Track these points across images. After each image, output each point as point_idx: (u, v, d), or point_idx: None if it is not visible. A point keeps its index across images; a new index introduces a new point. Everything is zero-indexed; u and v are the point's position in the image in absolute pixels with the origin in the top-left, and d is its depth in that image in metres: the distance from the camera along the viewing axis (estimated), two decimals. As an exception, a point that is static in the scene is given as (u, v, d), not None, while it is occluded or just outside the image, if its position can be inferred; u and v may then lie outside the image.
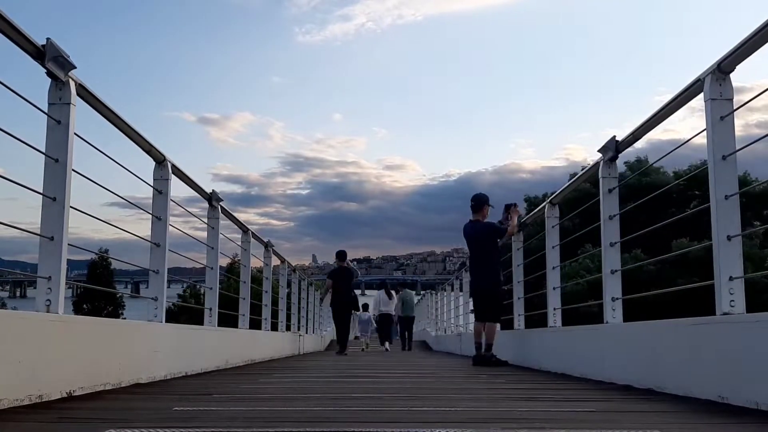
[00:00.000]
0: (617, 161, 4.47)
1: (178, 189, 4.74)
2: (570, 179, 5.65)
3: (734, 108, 3.00)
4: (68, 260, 3.07)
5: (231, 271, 12.68)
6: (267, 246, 8.69)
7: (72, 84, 3.06)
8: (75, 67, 3.03)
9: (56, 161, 2.99)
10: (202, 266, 5.96)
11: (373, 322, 13.92)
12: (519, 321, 7.00)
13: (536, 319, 7.02)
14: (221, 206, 5.92)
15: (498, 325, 6.91)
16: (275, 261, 9.32)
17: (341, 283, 10.48)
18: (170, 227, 4.50)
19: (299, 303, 11.47)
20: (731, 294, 2.90)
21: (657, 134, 4.03)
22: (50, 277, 2.93)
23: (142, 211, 4.43)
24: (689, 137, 3.61)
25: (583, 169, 6.00)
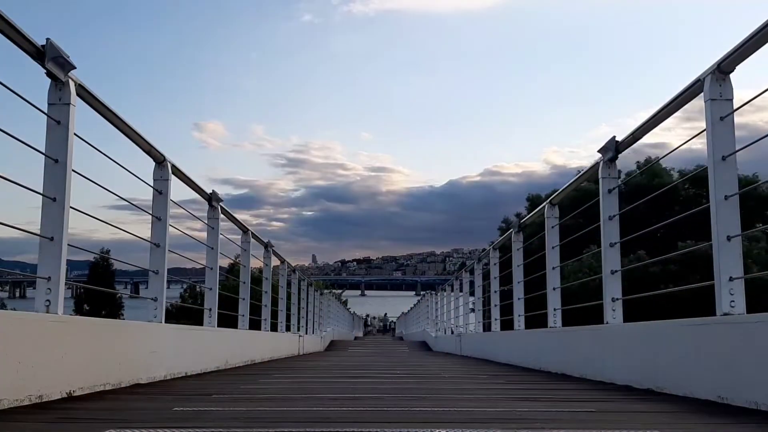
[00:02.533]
0: (617, 161, 4.47)
1: (178, 190, 4.74)
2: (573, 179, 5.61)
3: (734, 108, 3.00)
4: (68, 260, 3.07)
5: (231, 272, 12.68)
6: (267, 246, 8.69)
7: (72, 84, 3.06)
8: (75, 68, 3.03)
9: (56, 162, 2.99)
10: (202, 266, 5.96)
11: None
12: (519, 321, 7.01)
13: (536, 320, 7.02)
14: (221, 206, 5.92)
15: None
16: (275, 261, 9.31)
17: None
18: (170, 227, 4.50)
19: (299, 303, 11.47)
20: (731, 294, 2.90)
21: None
22: (50, 277, 2.93)
23: (142, 211, 4.43)
24: (689, 137, 3.61)
25: (579, 172, 5.99)
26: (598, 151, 4.46)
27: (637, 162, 23.72)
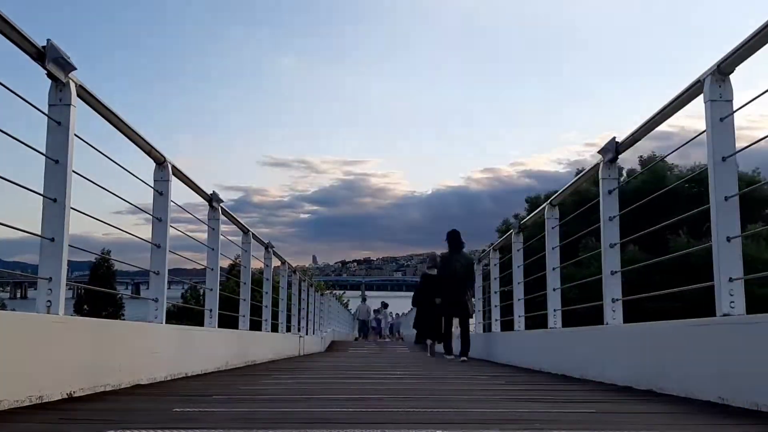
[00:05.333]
0: (617, 162, 4.47)
1: (178, 190, 4.74)
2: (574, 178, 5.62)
3: (734, 109, 3.00)
4: (69, 261, 3.07)
5: (231, 273, 12.68)
6: (267, 247, 8.69)
7: (72, 85, 3.06)
8: (75, 69, 3.03)
9: (56, 162, 2.99)
10: (202, 267, 5.96)
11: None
12: (519, 322, 7.00)
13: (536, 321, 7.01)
14: (222, 207, 5.92)
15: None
16: (276, 262, 9.31)
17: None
18: (171, 228, 4.50)
19: (299, 304, 11.47)
20: (731, 295, 2.90)
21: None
22: (51, 278, 2.93)
23: (142, 212, 4.44)
24: (690, 138, 3.61)
25: (580, 172, 6.00)
26: (599, 152, 4.47)
27: (640, 157, 23.79)
